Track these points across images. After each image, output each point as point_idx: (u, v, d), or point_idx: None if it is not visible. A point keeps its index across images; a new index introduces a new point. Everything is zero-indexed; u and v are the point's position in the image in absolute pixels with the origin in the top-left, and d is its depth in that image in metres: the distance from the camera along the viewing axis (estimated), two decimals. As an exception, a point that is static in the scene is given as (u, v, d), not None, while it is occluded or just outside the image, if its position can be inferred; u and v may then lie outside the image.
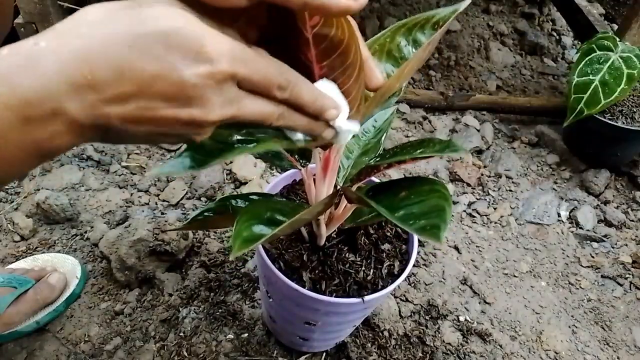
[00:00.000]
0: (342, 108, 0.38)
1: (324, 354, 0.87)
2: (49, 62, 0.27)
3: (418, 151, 0.40)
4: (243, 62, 0.31)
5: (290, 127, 0.36)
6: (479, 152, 1.37)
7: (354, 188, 0.55)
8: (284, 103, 0.35)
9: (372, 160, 0.49)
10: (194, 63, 0.29)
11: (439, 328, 0.94)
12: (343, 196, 0.56)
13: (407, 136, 1.39)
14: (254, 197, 0.61)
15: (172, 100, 0.30)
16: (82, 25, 0.28)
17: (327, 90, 0.38)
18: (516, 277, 1.08)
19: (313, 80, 0.39)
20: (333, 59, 0.37)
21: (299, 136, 0.38)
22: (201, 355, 0.84)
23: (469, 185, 1.27)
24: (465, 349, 0.92)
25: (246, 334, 0.88)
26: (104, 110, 0.29)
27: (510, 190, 1.28)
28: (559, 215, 1.23)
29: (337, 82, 0.39)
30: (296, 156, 0.59)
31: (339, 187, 0.59)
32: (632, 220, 1.24)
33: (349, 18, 0.35)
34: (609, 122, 1.24)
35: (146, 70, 0.28)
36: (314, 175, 0.56)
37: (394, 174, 1.24)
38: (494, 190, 1.27)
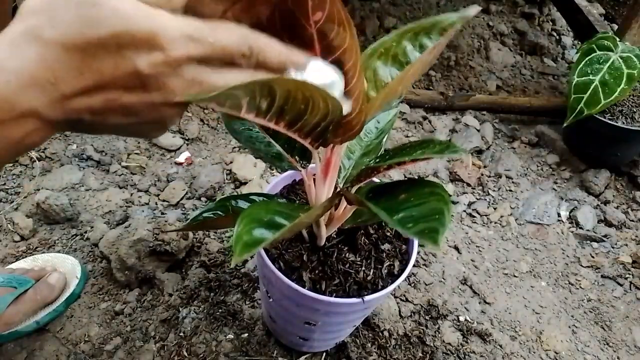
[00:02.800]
0: (336, 80, 0.37)
1: (324, 354, 0.87)
2: (10, 72, 0.29)
3: (418, 152, 0.40)
4: (198, 42, 0.31)
5: None
6: (479, 152, 1.37)
7: (355, 189, 0.55)
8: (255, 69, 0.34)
9: (372, 162, 0.49)
10: (146, 53, 0.30)
11: (439, 328, 0.94)
12: (343, 197, 0.56)
13: (407, 136, 1.39)
14: (254, 197, 0.61)
15: (132, 89, 0.31)
16: (32, 30, 0.29)
17: (319, 68, 0.37)
18: (516, 277, 1.08)
19: None
20: (335, 57, 0.37)
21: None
22: (201, 355, 0.84)
23: (469, 185, 1.27)
24: (465, 349, 0.92)
25: (246, 334, 0.88)
26: (72, 105, 0.31)
27: (510, 190, 1.28)
28: (559, 215, 1.23)
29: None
30: (296, 157, 0.59)
31: (339, 188, 0.59)
32: (632, 220, 1.24)
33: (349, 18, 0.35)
34: (609, 122, 1.24)
35: (103, 68, 0.30)
36: (314, 175, 0.56)
37: (395, 174, 1.24)
38: (494, 190, 1.27)
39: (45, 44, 0.29)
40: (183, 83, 0.32)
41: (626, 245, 1.18)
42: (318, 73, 0.36)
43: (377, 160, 0.48)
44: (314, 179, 0.56)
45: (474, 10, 0.38)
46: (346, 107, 0.39)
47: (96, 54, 0.29)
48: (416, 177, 1.27)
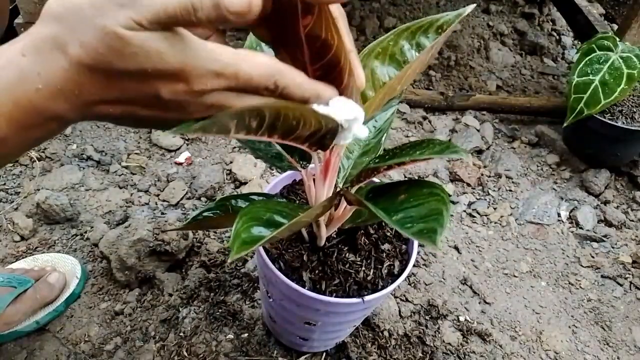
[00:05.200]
0: (358, 116, 0.38)
1: (324, 354, 0.87)
2: (39, 81, 0.29)
3: (417, 152, 0.40)
4: (223, 77, 0.31)
5: None
6: (479, 152, 1.37)
7: (354, 189, 0.55)
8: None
9: (371, 162, 0.49)
10: (170, 82, 0.31)
11: (439, 328, 0.94)
12: (343, 197, 0.56)
13: (407, 136, 1.39)
14: (254, 197, 0.61)
15: (152, 108, 0.32)
16: (56, 40, 0.29)
17: (343, 104, 0.37)
18: (516, 277, 1.08)
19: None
20: (325, 61, 0.37)
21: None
22: (201, 355, 0.84)
23: (469, 185, 1.27)
24: (465, 349, 0.92)
25: (246, 334, 0.88)
26: (93, 112, 0.32)
27: (510, 190, 1.28)
28: (559, 215, 1.23)
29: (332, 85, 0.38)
30: (296, 157, 0.59)
31: (339, 188, 0.59)
32: (632, 220, 1.24)
33: (339, 24, 0.35)
34: (609, 122, 1.24)
35: (127, 89, 0.31)
36: (314, 176, 0.56)
37: (395, 174, 1.24)
38: (494, 190, 1.27)
39: (70, 60, 0.29)
40: (202, 108, 0.33)
41: (626, 245, 1.18)
42: (341, 108, 0.37)
43: (377, 160, 0.48)
44: (314, 179, 0.56)
45: (469, 8, 0.38)
46: (364, 133, 0.39)
47: (121, 79, 0.30)
48: (416, 178, 1.27)
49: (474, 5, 0.38)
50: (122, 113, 0.32)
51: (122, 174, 1.16)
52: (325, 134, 0.40)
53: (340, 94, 0.39)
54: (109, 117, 0.33)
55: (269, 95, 0.34)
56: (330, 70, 0.37)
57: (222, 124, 0.31)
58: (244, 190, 1.15)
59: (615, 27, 1.63)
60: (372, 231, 0.69)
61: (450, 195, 1.24)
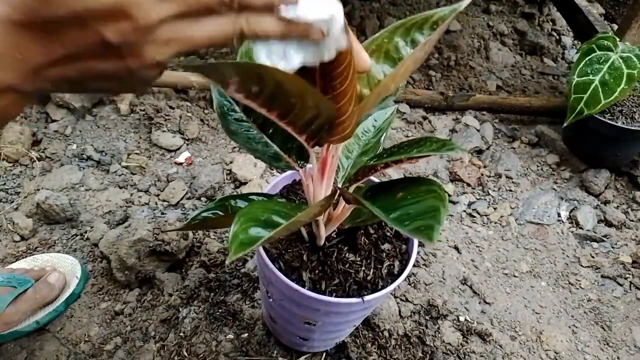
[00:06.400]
0: (335, 13, 0.33)
1: (324, 354, 0.87)
2: None
3: (415, 150, 0.40)
4: (167, 1, 0.29)
5: (262, 37, 0.32)
6: (479, 152, 1.37)
7: (353, 188, 0.55)
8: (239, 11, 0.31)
9: (370, 160, 0.49)
10: (113, 24, 0.28)
11: (439, 328, 0.94)
12: (341, 196, 0.56)
13: (407, 136, 1.39)
14: (254, 197, 0.61)
15: (106, 58, 0.30)
16: None
17: (312, 2, 0.33)
18: (516, 277, 1.08)
19: (313, 79, 0.38)
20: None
21: (294, 58, 0.33)
22: (201, 355, 0.84)
23: (469, 185, 1.27)
24: (465, 349, 0.92)
25: (246, 334, 0.88)
26: (45, 77, 0.30)
27: (510, 190, 1.28)
28: (559, 215, 1.23)
29: (335, 81, 0.38)
30: (294, 157, 0.59)
31: (337, 187, 0.59)
32: (632, 220, 1.24)
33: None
34: (609, 122, 1.24)
35: (67, 41, 0.28)
36: (312, 175, 0.56)
37: (394, 173, 1.24)
38: (494, 190, 1.27)
39: (1, 22, 0.27)
40: (158, 46, 0.30)
41: (626, 245, 1.18)
42: (313, 7, 0.32)
43: (375, 159, 0.48)
44: (312, 179, 0.56)
45: (464, 3, 0.38)
46: (343, 43, 0.35)
47: (57, 30, 0.28)
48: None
49: (468, 0, 0.38)
50: (79, 73, 0.30)
51: (122, 174, 1.16)
52: (323, 124, 0.39)
53: (344, 81, 0.38)
54: (68, 81, 0.31)
55: (227, 11, 0.30)
56: (336, 65, 0.37)
57: (222, 72, 0.30)
58: (244, 190, 1.15)
59: (615, 27, 1.63)
60: (372, 231, 0.69)
61: (450, 195, 1.24)
